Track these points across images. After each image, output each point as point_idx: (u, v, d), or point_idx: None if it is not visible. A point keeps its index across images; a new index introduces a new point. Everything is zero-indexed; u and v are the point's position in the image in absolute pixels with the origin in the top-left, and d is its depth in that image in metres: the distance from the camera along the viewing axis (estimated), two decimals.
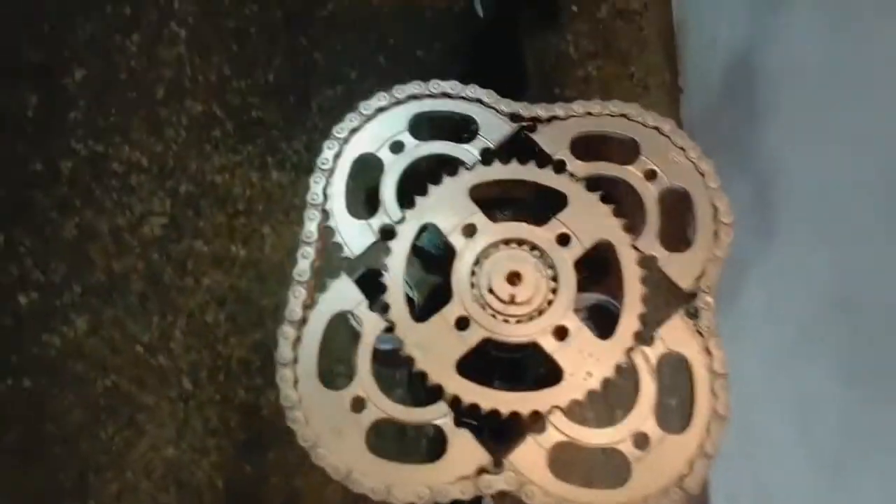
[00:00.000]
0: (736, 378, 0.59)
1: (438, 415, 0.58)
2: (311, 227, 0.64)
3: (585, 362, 0.59)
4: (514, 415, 0.58)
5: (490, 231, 0.62)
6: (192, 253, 1.30)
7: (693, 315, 0.61)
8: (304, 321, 0.61)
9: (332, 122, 1.35)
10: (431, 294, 0.70)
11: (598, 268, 0.65)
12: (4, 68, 1.37)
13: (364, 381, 0.59)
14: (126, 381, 1.24)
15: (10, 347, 1.25)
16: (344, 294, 0.62)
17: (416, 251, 0.65)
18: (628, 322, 0.60)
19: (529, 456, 0.57)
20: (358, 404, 0.59)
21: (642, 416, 0.59)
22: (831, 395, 0.85)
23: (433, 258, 0.68)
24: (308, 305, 0.62)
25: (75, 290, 1.27)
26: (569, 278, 0.61)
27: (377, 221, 0.64)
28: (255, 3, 1.46)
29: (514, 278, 0.61)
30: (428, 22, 1.45)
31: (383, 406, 0.59)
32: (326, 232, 0.64)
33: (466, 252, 0.62)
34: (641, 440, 0.58)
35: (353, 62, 1.42)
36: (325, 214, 0.64)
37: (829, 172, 0.88)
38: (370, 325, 0.61)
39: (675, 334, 0.61)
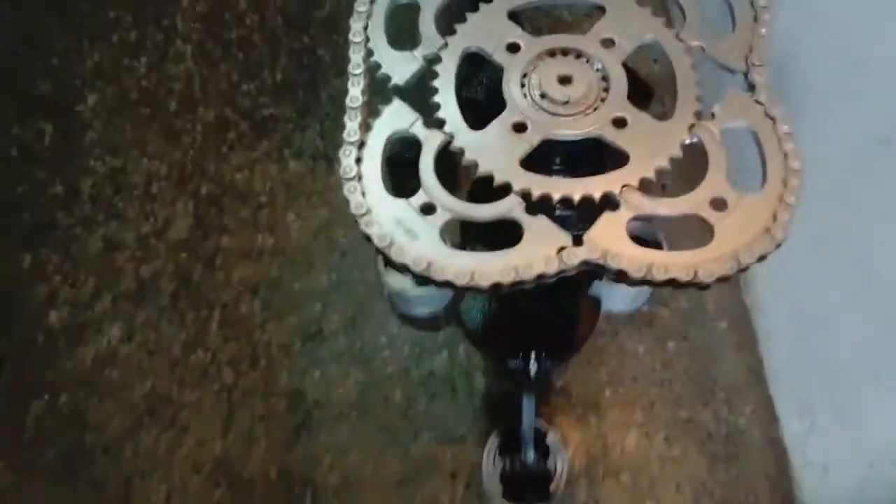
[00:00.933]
0: None
1: (510, 206, 0.56)
2: (356, 59, 0.63)
3: (649, 144, 0.57)
4: (586, 200, 0.55)
5: (534, 45, 0.62)
6: (220, 249, 1.29)
7: (750, 88, 0.59)
8: (362, 144, 0.59)
9: (343, 109, 1.38)
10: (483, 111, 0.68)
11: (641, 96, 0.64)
12: (17, 103, 1.40)
13: (431, 188, 0.57)
14: (165, 381, 1.20)
15: (43, 365, 1.21)
16: (399, 114, 0.60)
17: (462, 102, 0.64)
18: (686, 103, 0.59)
19: (608, 231, 0.54)
20: (427, 209, 0.56)
21: (716, 183, 0.56)
22: None
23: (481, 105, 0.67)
24: (364, 128, 0.60)
25: (106, 299, 1.25)
26: (619, 75, 0.60)
27: (421, 51, 0.63)
28: (255, 13, 1.50)
29: (565, 81, 0.59)
30: None
31: (453, 206, 0.56)
32: (373, 66, 0.63)
33: (513, 67, 0.61)
34: (720, 203, 0.55)
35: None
36: (369, 51, 0.63)
37: None
38: (429, 140, 0.59)
39: (734, 107, 0.59)
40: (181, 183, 1.34)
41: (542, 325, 0.95)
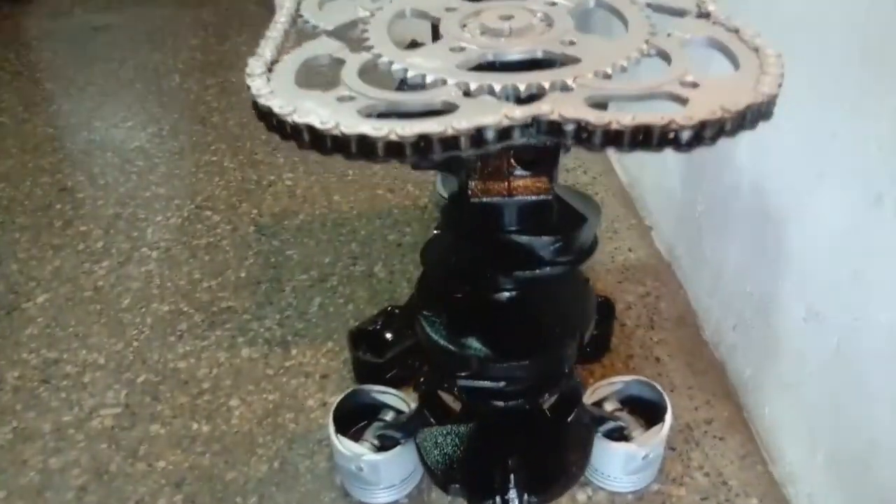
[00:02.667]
0: None
1: (446, 92, 0.45)
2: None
3: (603, 52, 0.49)
4: (534, 87, 0.45)
5: (474, 7, 0.57)
6: (147, 437, 1.10)
7: (705, 15, 0.53)
8: (275, 62, 0.51)
9: (307, 301, 1.30)
10: None
11: None
12: None
13: (353, 84, 0.47)
14: None
15: None
16: (324, 45, 0.53)
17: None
18: (638, 24, 0.52)
19: (562, 99, 0.43)
20: (346, 98, 0.46)
21: (683, 69, 0.47)
22: None
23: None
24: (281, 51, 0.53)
25: None
26: (563, 18, 0.54)
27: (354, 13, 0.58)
28: (227, 224, 1.50)
29: (507, 18, 0.54)
30: (396, 216, 1.50)
31: (379, 96, 0.46)
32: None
33: (451, 18, 0.56)
34: (691, 84, 0.45)
35: (326, 251, 1.42)
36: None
37: None
38: (353, 58, 0.51)
39: (691, 27, 0.52)
40: (118, 371, 1.20)
41: (520, 445, 0.76)
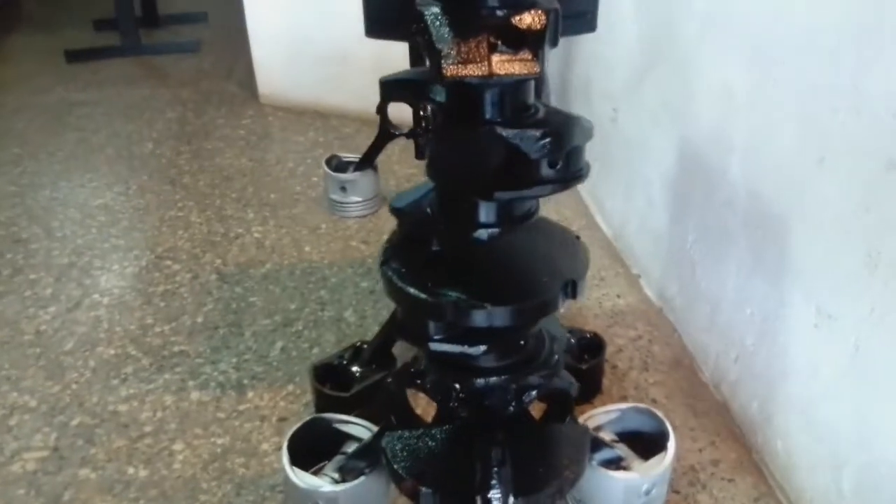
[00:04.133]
0: None
1: None
2: None
3: None
4: None
5: None
6: (74, 483, 0.95)
7: None
8: None
9: (268, 345, 1.20)
10: None
11: None
12: None
13: None
14: None
15: None
16: None
17: None
18: None
19: None
20: None
21: None
22: None
23: None
24: None
25: None
26: None
27: None
28: (188, 272, 1.41)
29: None
30: (369, 265, 1.42)
31: None
32: None
33: None
34: None
35: (293, 297, 1.32)
36: None
37: None
38: None
39: None
40: (49, 415, 1.06)
41: (503, 442, 0.64)
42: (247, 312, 1.28)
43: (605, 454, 0.84)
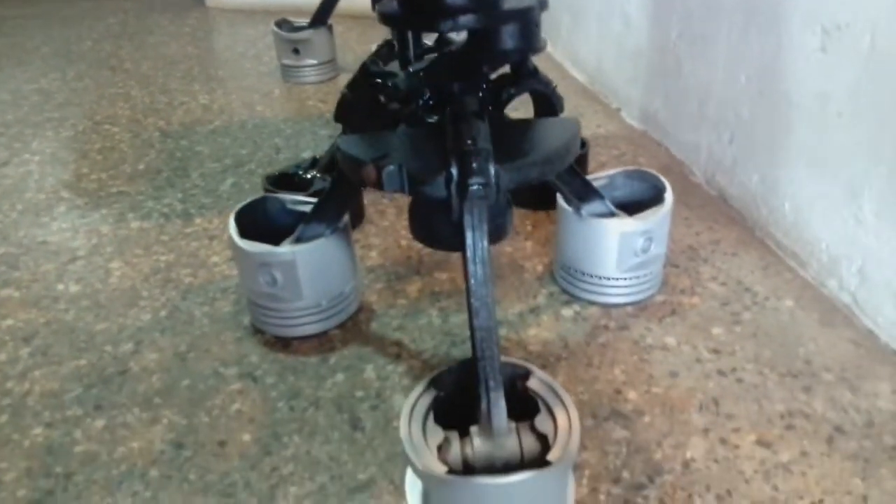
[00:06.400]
0: None
1: None
2: None
3: None
4: None
5: None
6: None
7: None
8: None
9: (218, 181, 1.08)
10: None
11: None
12: None
13: None
14: None
15: None
16: None
17: None
18: None
19: None
20: None
21: None
22: None
23: None
24: None
25: None
26: None
27: None
28: (128, 132, 1.28)
29: None
30: (329, 118, 1.30)
31: None
32: None
33: None
34: None
35: (243, 145, 1.20)
36: None
37: None
38: None
39: None
40: None
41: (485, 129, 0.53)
42: (193, 159, 1.17)
43: (596, 206, 0.74)
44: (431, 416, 0.50)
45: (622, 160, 1.08)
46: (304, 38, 1.43)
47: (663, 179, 0.77)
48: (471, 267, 0.50)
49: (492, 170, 0.49)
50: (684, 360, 0.68)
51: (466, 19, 0.50)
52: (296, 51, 1.44)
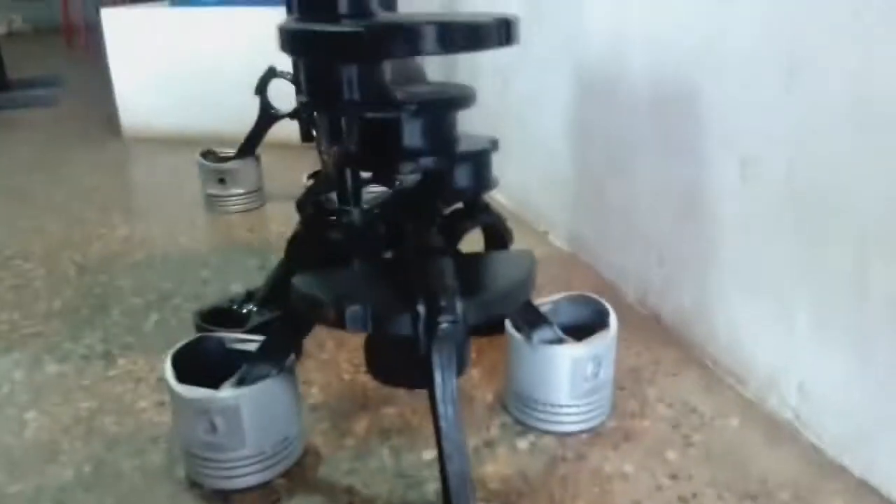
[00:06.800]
0: None
1: None
2: None
3: None
4: None
5: None
6: None
7: None
8: None
9: (141, 319, 1.04)
10: None
11: None
12: None
13: None
14: None
15: None
16: None
17: None
18: None
19: None
20: None
21: None
22: None
23: None
24: None
25: None
26: None
27: None
28: (42, 268, 1.22)
29: None
30: (257, 248, 1.28)
31: None
32: None
33: None
34: None
35: (167, 278, 1.16)
36: None
37: None
38: None
39: None
40: None
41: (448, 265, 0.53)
42: (113, 295, 1.11)
43: (545, 333, 0.74)
44: None
45: (556, 283, 1.10)
46: (231, 169, 1.43)
47: (606, 304, 0.79)
48: (441, 408, 0.49)
49: (459, 307, 0.49)
50: (645, 488, 0.68)
51: (427, 161, 0.51)
52: (221, 180, 1.43)
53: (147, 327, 1.01)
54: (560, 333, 0.76)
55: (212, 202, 1.45)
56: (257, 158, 1.46)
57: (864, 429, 0.67)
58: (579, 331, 0.78)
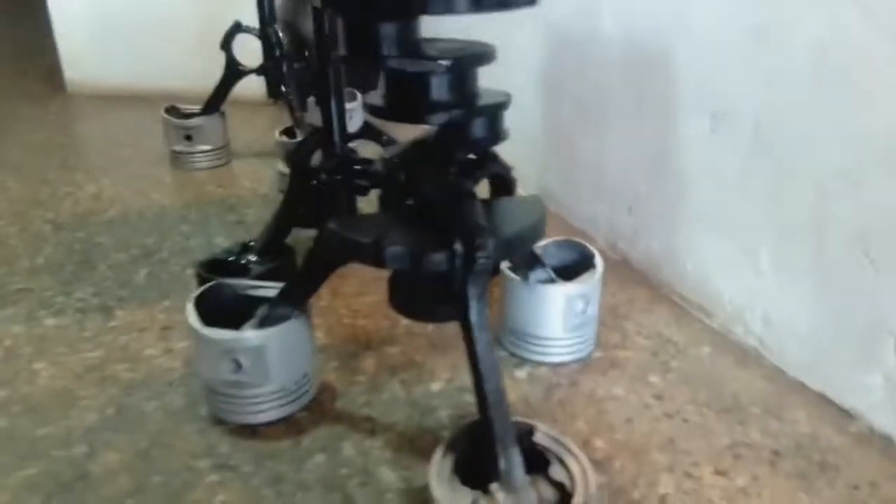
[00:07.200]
0: None
1: None
2: None
3: None
4: None
5: None
6: None
7: None
8: None
9: (130, 273, 1.05)
10: None
11: None
12: None
13: None
14: None
15: None
16: None
17: None
18: None
19: None
20: None
21: None
22: None
23: None
24: None
25: None
26: None
27: None
28: (13, 226, 1.20)
29: None
30: (231, 203, 1.30)
31: None
32: None
33: None
34: None
35: (148, 233, 1.17)
36: None
37: None
38: None
39: None
40: None
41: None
42: (95, 251, 1.12)
43: (539, 274, 0.81)
44: (458, 479, 0.53)
45: None
46: (197, 125, 1.43)
47: (591, 247, 0.86)
48: (477, 334, 0.55)
49: (491, 245, 0.55)
50: (634, 407, 0.76)
51: (455, 114, 0.56)
52: (188, 137, 1.43)
53: (138, 281, 1.03)
54: (552, 274, 0.83)
55: (178, 159, 1.45)
56: (223, 115, 1.47)
57: (820, 350, 0.77)
58: (565, 271, 0.86)
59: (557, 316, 0.80)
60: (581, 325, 0.82)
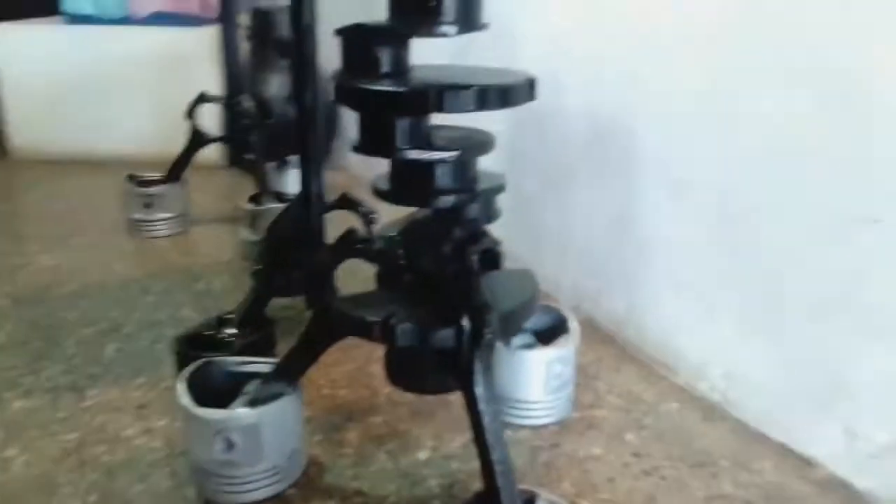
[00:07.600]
0: None
1: None
2: None
3: None
4: None
5: None
6: None
7: None
8: None
9: (98, 349, 1.05)
10: None
11: None
12: None
13: None
14: None
15: None
16: None
17: None
18: None
19: None
20: None
21: None
22: None
23: None
24: None
25: None
26: None
27: None
28: None
29: None
30: (196, 272, 1.30)
31: None
32: None
33: None
34: None
35: (112, 307, 1.16)
36: None
37: None
38: None
39: None
40: None
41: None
42: (60, 327, 1.10)
43: (519, 339, 0.85)
44: None
45: None
46: (159, 193, 1.42)
47: (565, 311, 0.90)
48: (484, 407, 0.58)
49: (496, 320, 0.58)
50: (615, 466, 0.79)
51: (459, 198, 0.60)
52: (147, 205, 1.42)
53: (108, 356, 1.01)
54: (532, 339, 0.86)
55: (136, 227, 1.44)
56: (184, 182, 1.47)
57: (780, 403, 0.83)
58: (540, 336, 0.90)
59: (539, 380, 0.84)
60: (559, 387, 0.86)
